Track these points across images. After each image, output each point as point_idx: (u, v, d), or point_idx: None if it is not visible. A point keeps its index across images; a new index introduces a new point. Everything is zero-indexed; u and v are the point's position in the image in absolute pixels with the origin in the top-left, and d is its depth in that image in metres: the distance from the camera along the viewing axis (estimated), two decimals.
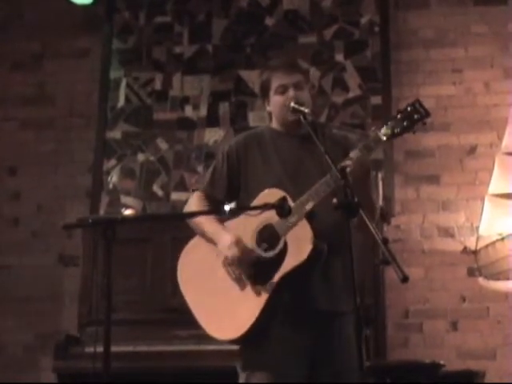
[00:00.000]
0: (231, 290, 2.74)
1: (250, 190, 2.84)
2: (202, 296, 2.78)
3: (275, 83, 2.90)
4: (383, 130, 2.69)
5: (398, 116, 2.68)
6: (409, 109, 2.68)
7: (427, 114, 2.67)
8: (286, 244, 2.70)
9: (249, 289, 2.72)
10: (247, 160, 2.92)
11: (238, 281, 2.74)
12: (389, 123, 2.69)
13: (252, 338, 2.69)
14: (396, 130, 2.67)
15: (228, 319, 2.72)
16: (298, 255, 2.67)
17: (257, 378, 2.69)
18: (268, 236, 2.72)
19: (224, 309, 2.74)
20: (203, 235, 2.86)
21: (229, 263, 2.75)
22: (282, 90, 2.87)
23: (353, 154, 2.68)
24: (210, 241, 2.83)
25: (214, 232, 2.82)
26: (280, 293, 2.68)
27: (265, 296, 2.67)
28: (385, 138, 2.68)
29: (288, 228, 2.69)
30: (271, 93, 2.92)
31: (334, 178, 2.59)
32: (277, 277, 2.67)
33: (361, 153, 2.67)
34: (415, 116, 2.66)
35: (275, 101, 2.90)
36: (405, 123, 2.67)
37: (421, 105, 2.68)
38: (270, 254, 2.71)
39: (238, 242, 2.73)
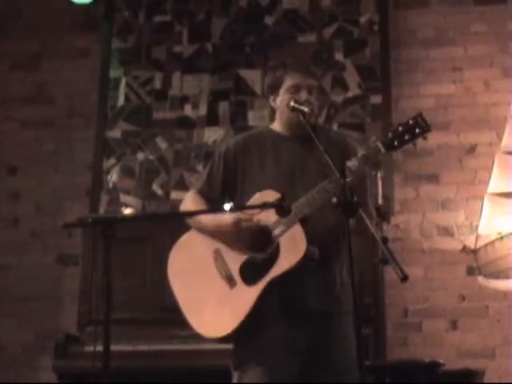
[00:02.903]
0: (220, 288, 2.74)
1: (246, 192, 2.84)
2: (191, 292, 2.79)
3: (289, 81, 2.88)
4: (383, 142, 2.69)
5: (400, 129, 2.68)
6: (410, 122, 2.68)
7: (428, 128, 2.67)
8: (278, 246, 2.70)
9: (238, 288, 2.72)
10: (245, 161, 2.91)
11: (228, 279, 2.74)
12: (389, 135, 2.69)
13: (244, 337, 2.70)
14: (396, 143, 2.68)
15: (215, 317, 2.73)
16: (289, 259, 2.67)
17: (249, 377, 2.69)
18: (261, 237, 2.73)
19: (212, 306, 2.74)
20: (203, 228, 2.85)
21: (243, 222, 2.72)
22: (295, 89, 2.86)
23: (350, 163, 2.67)
24: (212, 228, 2.80)
25: (214, 218, 2.80)
26: (269, 294, 2.68)
27: (253, 297, 2.67)
28: (384, 150, 2.69)
29: (282, 231, 2.70)
30: (281, 90, 2.90)
31: (335, 182, 2.60)
32: (267, 279, 2.68)
33: (359, 163, 2.68)
34: (416, 130, 2.67)
35: (285, 99, 2.88)
36: (405, 136, 2.67)
37: (422, 119, 2.68)
38: (262, 255, 2.72)
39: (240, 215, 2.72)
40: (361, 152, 2.71)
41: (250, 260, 2.74)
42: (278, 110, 2.94)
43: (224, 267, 2.76)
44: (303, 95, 2.85)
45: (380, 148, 2.68)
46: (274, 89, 2.94)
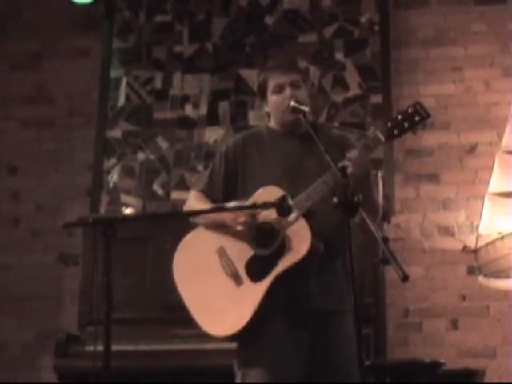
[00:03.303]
0: (227, 286, 2.74)
1: (247, 189, 2.84)
2: (198, 291, 2.78)
3: (272, 83, 2.90)
4: (383, 131, 2.69)
5: (399, 117, 2.68)
6: (409, 110, 2.68)
7: (427, 115, 2.67)
8: (283, 241, 2.70)
9: (245, 285, 2.72)
10: (245, 159, 2.92)
11: (234, 277, 2.74)
12: (389, 124, 2.70)
13: (248, 336, 2.69)
14: (395, 131, 2.68)
15: (223, 315, 2.72)
16: (295, 253, 2.67)
17: (252, 376, 2.69)
18: (266, 233, 2.73)
19: (219, 305, 2.74)
20: (208, 223, 2.85)
21: (244, 222, 2.72)
22: (279, 89, 2.88)
23: (351, 153, 2.68)
24: (216, 222, 2.81)
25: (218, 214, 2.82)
26: (276, 290, 2.68)
27: (260, 293, 2.67)
28: (384, 139, 2.69)
29: (286, 225, 2.70)
30: (268, 93, 2.92)
31: (334, 176, 2.60)
32: (273, 274, 2.67)
33: (359, 153, 2.68)
34: (415, 117, 2.67)
35: (272, 100, 2.91)
36: (405, 124, 2.67)
37: (421, 106, 2.68)
38: (267, 251, 2.72)
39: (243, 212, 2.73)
40: (360, 142, 2.71)
41: (256, 256, 2.73)
42: (271, 112, 2.95)
43: (229, 265, 2.76)
44: (288, 92, 2.85)
45: (380, 137, 2.69)
46: (262, 94, 2.96)
